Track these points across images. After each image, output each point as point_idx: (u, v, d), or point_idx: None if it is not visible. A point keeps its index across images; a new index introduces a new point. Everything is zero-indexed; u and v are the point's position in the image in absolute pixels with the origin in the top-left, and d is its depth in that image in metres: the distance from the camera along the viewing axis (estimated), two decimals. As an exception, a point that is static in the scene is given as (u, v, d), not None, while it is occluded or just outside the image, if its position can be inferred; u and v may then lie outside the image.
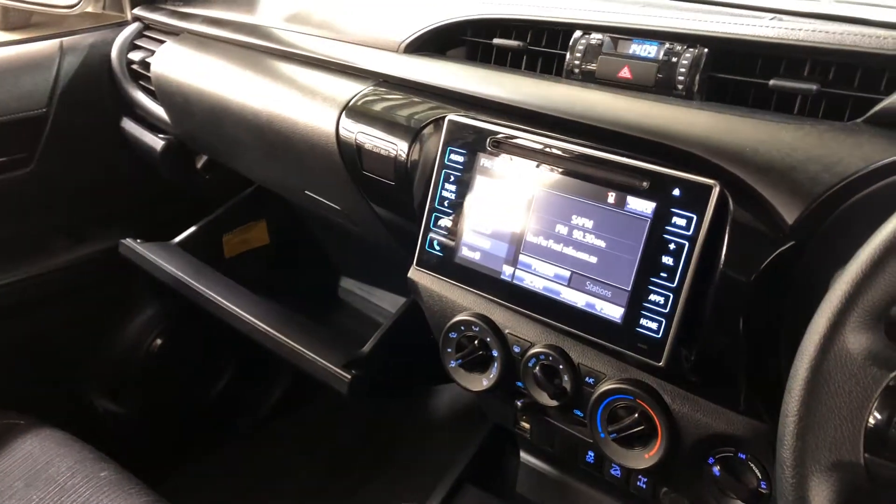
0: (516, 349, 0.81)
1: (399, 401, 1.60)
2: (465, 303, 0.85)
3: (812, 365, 0.47)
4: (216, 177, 1.42)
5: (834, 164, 0.60)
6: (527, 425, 0.90)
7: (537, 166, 0.75)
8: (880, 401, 0.45)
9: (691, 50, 0.75)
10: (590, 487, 0.98)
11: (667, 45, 0.77)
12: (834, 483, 0.46)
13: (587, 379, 0.76)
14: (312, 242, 1.66)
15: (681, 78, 0.75)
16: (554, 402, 0.79)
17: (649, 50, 0.78)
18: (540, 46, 0.88)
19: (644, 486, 0.82)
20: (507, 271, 0.77)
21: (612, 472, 0.83)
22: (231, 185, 1.45)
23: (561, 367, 0.77)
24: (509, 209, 0.77)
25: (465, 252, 0.80)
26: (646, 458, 0.73)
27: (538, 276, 0.75)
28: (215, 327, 1.23)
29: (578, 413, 0.79)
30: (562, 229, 0.73)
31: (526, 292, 0.76)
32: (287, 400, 1.69)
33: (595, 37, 0.82)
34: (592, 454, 0.84)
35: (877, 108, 0.63)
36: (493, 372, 0.83)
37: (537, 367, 0.78)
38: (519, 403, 0.82)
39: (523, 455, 1.04)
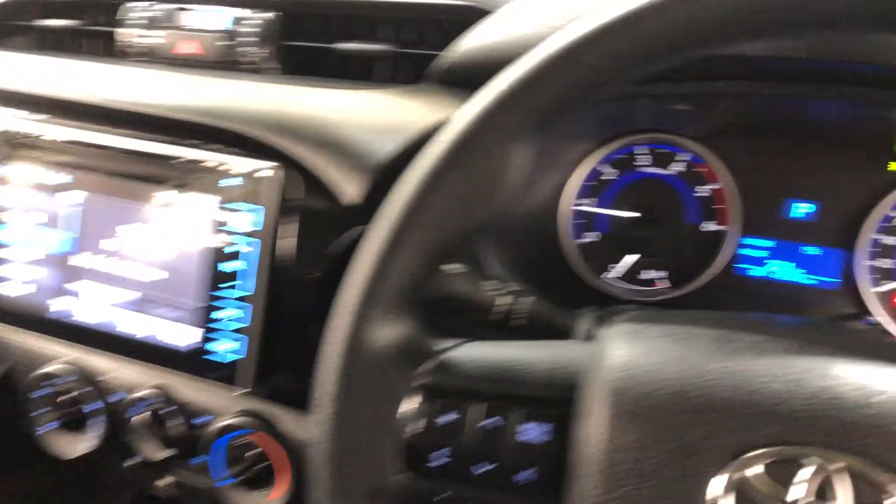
0: (115, 398, 0.65)
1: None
2: (57, 348, 0.67)
3: (337, 375, 0.37)
4: None
5: (390, 130, 0.52)
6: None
7: (73, 168, 0.59)
8: (415, 409, 0.37)
9: (262, 16, 0.65)
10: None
11: (235, 13, 0.65)
12: None
13: (196, 420, 0.63)
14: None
15: (250, 49, 0.64)
16: (170, 452, 0.64)
17: (214, 19, 0.66)
18: (93, 26, 0.72)
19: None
20: (54, 305, 0.60)
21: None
22: None
23: (167, 410, 0.63)
24: (45, 227, 0.60)
25: (3, 288, 0.62)
26: (272, 498, 0.61)
27: (95, 306, 0.59)
28: None
29: (199, 461, 0.65)
30: (112, 244, 0.58)
31: (84, 329, 0.60)
32: None
33: (151, 7, 0.68)
34: None
35: (431, 66, 0.57)
36: (95, 430, 0.66)
37: (142, 416, 0.64)
38: (125, 465, 0.67)
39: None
